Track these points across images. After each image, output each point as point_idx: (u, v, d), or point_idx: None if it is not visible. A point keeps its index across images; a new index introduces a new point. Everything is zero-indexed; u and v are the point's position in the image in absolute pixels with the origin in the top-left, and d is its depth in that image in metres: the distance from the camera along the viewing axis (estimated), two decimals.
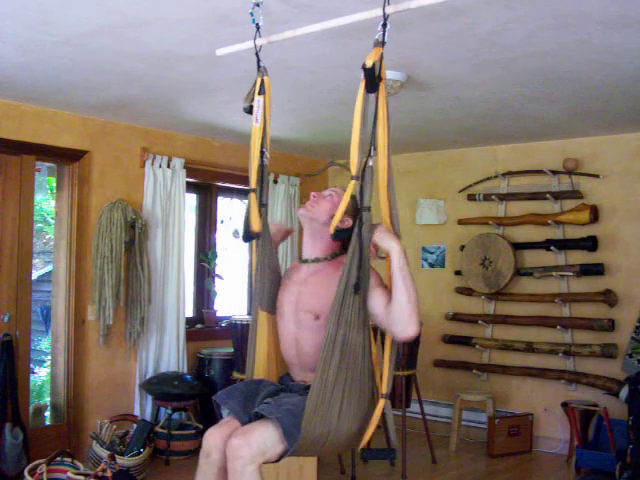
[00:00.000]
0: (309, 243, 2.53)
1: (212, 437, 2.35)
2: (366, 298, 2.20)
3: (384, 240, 2.21)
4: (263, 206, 2.57)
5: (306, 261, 2.51)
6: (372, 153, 2.17)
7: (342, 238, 2.23)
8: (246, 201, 2.63)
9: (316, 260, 2.48)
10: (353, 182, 2.16)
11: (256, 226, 2.52)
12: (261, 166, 2.57)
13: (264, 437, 2.19)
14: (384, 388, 2.25)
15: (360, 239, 2.17)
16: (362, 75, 2.12)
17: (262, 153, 2.57)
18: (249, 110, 2.59)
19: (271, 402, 2.29)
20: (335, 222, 2.20)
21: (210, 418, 5.30)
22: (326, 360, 2.16)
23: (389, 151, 2.16)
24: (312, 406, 2.15)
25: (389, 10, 2.11)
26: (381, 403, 2.25)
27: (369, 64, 2.08)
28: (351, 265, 2.17)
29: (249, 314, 5.19)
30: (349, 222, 2.31)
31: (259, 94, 2.55)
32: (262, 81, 2.55)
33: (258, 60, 2.57)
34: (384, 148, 2.15)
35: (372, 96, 2.14)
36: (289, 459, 2.34)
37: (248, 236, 2.56)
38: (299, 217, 2.57)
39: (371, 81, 2.11)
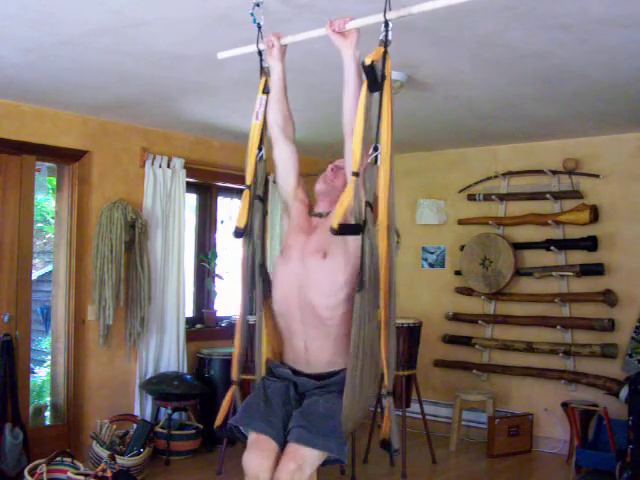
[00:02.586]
0: (324, 204, 2.59)
1: (255, 460, 2.36)
2: (369, 297, 2.18)
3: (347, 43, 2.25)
4: (260, 200, 2.55)
5: (320, 215, 2.57)
6: (371, 151, 2.16)
7: (346, 234, 2.19)
8: None
9: (330, 213, 2.53)
10: (354, 178, 2.15)
11: (241, 222, 2.52)
12: (260, 163, 2.58)
13: (313, 459, 2.30)
14: (387, 386, 2.26)
15: (362, 240, 2.18)
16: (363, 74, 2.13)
17: (259, 149, 2.58)
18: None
19: (305, 425, 2.31)
20: (338, 218, 2.12)
21: (210, 418, 5.29)
22: (353, 364, 2.19)
23: (392, 151, 2.16)
24: (348, 406, 2.23)
25: (390, 15, 2.11)
26: (387, 402, 2.26)
27: (367, 62, 2.09)
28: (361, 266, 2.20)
29: (251, 314, 5.18)
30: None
31: (263, 93, 2.56)
32: (266, 80, 2.56)
33: (261, 60, 2.57)
34: (387, 147, 2.15)
35: (375, 94, 2.14)
36: None
37: (238, 233, 2.55)
38: (318, 191, 2.61)
39: (372, 80, 2.11)
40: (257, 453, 2.35)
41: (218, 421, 2.57)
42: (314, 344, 2.43)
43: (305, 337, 2.44)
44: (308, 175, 7.04)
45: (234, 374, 2.59)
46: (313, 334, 2.42)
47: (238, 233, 2.53)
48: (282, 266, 2.52)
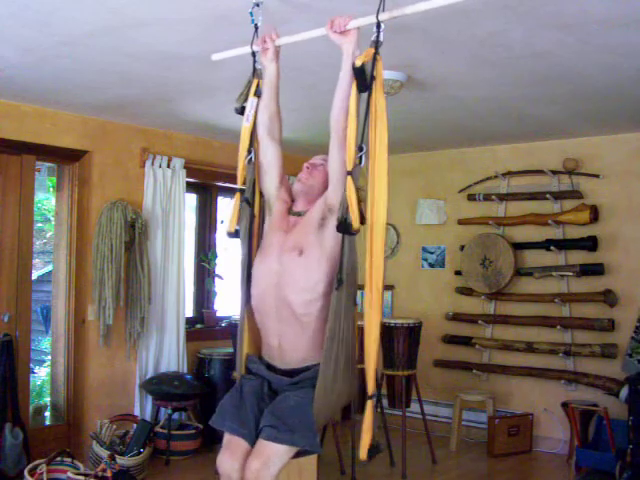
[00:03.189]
0: (303, 203, 2.59)
1: (227, 461, 2.42)
2: (347, 294, 2.24)
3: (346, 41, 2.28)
4: (247, 203, 2.59)
5: (299, 214, 2.58)
6: (356, 152, 2.18)
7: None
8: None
9: (307, 211, 2.56)
10: (349, 177, 2.17)
11: (231, 226, 2.57)
12: (249, 166, 2.60)
13: (280, 454, 2.32)
14: (370, 389, 2.25)
15: (342, 238, 2.23)
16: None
17: (249, 152, 2.60)
18: (240, 111, 2.61)
19: (273, 423, 2.33)
20: (356, 217, 2.16)
21: (210, 418, 5.29)
22: (327, 354, 2.24)
23: (386, 151, 2.17)
24: (321, 397, 2.26)
25: (383, 16, 2.13)
26: (370, 405, 2.24)
27: (358, 64, 2.12)
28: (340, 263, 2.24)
29: None
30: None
31: (255, 95, 2.57)
32: (258, 83, 2.57)
33: (254, 62, 2.58)
34: (382, 148, 2.16)
35: (365, 95, 2.17)
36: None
37: (230, 234, 2.61)
38: (295, 190, 2.62)
39: (362, 80, 2.13)
40: (228, 454, 2.41)
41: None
42: (288, 342, 2.45)
43: (279, 335, 2.46)
44: None
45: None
46: (287, 331, 2.44)
47: (230, 235, 2.60)
48: (260, 263, 2.55)
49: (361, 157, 2.17)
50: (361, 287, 2.23)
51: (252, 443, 2.40)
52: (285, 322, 2.43)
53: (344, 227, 2.18)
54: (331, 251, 2.37)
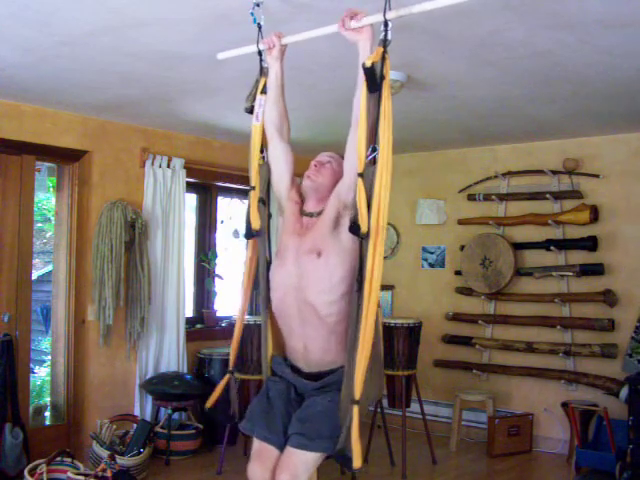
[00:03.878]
0: (314, 202, 2.57)
1: (257, 471, 2.41)
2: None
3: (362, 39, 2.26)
4: (262, 203, 2.58)
5: (311, 214, 2.55)
6: (369, 152, 2.17)
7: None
8: (246, 201, 2.64)
9: (320, 212, 2.53)
10: (360, 179, 2.15)
11: (255, 223, 2.54)
12: (263, 165, 2.59)
13: (308, 462, 2.32)
14: (358, 394, 2.11)
15: (360, 240, 2.19)
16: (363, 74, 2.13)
17: (262, 151, 2.60)
18: (251, 110, 2.61)
19: (302, 431, 2.32)
20: (365, 220, 2.12)
21: (210, 419, 5.30)
22: (352, 356, 2.18)
23: (391, 152, 2.17)
24: (346, 404, 2.20)
25: (390, 15, 2.12)
26: (356, 411, 2.12)
27: (368, 64, 2.10)
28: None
29: (250, 314, 5.20)
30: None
31: (262, 93, 2.57)
32: (265, 81, 2.57)
33: (261, 61, 2.57)
34: (387, 149, 2.15)
35: (375, 94, 2.14)
36: None
37: (250, 234, 2.59)
38: (304, 188, 2.60)
39: (372, 81, 2.12)
40: (258, 464, 2.40)
41: (209, 403, 2.71)
42: (313, 344, 2.43)
43: (304, 338, 2.44)
44: None
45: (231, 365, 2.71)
46: (312, 334, 2.42)
47: (251, 234, 2.57)
48: (278, 267, 2.53)
49: (374, 158, 2.15)
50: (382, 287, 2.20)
51: (281, 448, 2.39)
52: (309, 324, 2.41)
53: (356, 229, 2.15)
54: (350, 249, 2.34)
